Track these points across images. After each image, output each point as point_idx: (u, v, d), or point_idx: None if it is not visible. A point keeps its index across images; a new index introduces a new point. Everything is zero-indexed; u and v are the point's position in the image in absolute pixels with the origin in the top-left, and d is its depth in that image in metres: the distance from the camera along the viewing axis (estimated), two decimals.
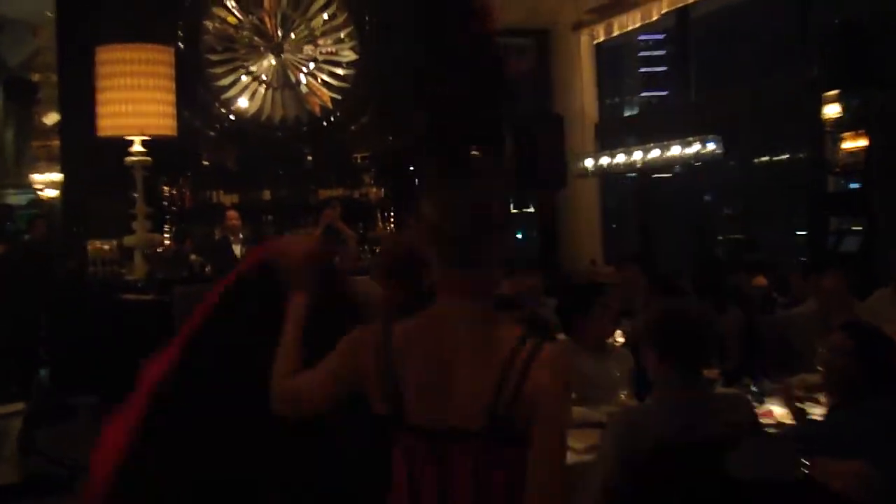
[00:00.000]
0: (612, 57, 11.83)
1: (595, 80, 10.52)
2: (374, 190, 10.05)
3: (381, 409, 1.89)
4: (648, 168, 9.32)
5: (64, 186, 10.35)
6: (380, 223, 9.95)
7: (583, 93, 10.32)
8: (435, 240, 1.88)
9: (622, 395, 3.99)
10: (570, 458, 2.99)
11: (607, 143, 10.42)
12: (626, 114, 11.78)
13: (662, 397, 3.01)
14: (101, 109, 8.00)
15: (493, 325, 1.89)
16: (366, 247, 9.33)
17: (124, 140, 7.99)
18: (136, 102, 7.88)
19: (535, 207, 11.12)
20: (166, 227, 9.34)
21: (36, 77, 13.50)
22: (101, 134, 8.02)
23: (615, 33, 10.07)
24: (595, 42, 10.47)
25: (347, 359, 1.94)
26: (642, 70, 25.11)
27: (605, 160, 9.58)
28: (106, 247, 8.57)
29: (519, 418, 1.78)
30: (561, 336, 4.59)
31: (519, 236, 12.45)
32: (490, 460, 1.81)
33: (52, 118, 12.61)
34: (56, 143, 11.23)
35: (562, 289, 5.94)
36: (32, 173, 13.65)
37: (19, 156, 14.91)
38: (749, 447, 2.85)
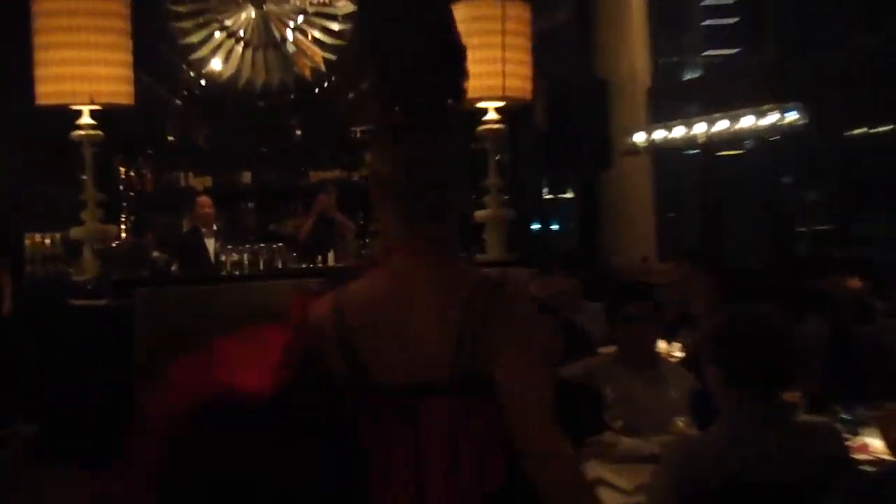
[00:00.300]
0: (669, 7, 11.85)
1: (647, 36, 10.67)
2: None
3: (342, 371, 2.19)
4: (714, 143, 9.35)
5: None
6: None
7: (632, 52, 10.47)
8: (390, 194, 2.18)
9: (679, 423, 4.03)
10: (617, 500, 3.43)
11: (662, 112, 10.54)
12: (686, 77, 11.77)
13: (730, 425, 3.02)
14: (40, 72, 7.68)
15: (451, 276, 2.19)
16: (366, 240, 9.51)
17: (69, 110, 7.61)
18: (83, 64, 7.47)
19: (573, 192, 11.33)
20: (123, 217, 9.57)
21: None
22: (41, 102, 7.63)
23: None
24: None
25: (304, 331, 2.23)
26: (706, 23, 25.17)
27: (659, 134, 9.66)
28: (47, 241, 8.82)
29: (485, 367, 2.10)
30: (607, 350, 4.87)
31: (555, 227, 12.62)
32: (461, 412, 2.12)
33: None
34: None
35: (606, 292, 5.76)
36: None
37: None
38: (845, 493, 2.81)
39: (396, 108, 2.24)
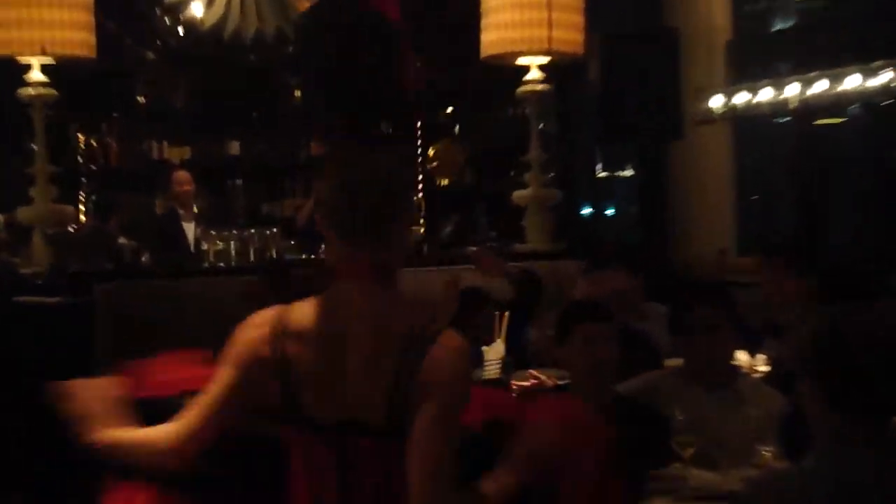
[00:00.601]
0: None
1: None
2: None
3: (276, 402, 2.70)
4: (810, 109, 9.45)
5: None
6: None
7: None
8: (332, 218, 2.70)
9: (764, 453, 4.06)
10: None
11: (747, 71, 10.62)
12: (776, 27, 11.85)
13: (830, 459, 2.95)
14: None
15: (394, 307, 2.72)
16: None
17: (16, 63, 8.37)
18: (32, 6, 8.21)
19: (634, 169, 11.61)
20: (82, 196, 10.09)
21: None
22: None
23: None
24: None
25: (242, 356, 2.74)
26: None
27: (742, 97, 9.86)
28: None
29: (415, 410, 2.59)
30: (674, 362, 5.05)
31: (610, 211, 13.15)
32: (392, 455, 2.60)
33: None
34: None
35: (674, 292, 5.98)
36: None
37: None
38: None
39: (338, 135, 2.66)
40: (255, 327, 2.82)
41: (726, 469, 4.08)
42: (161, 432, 2.94)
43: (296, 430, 2.77)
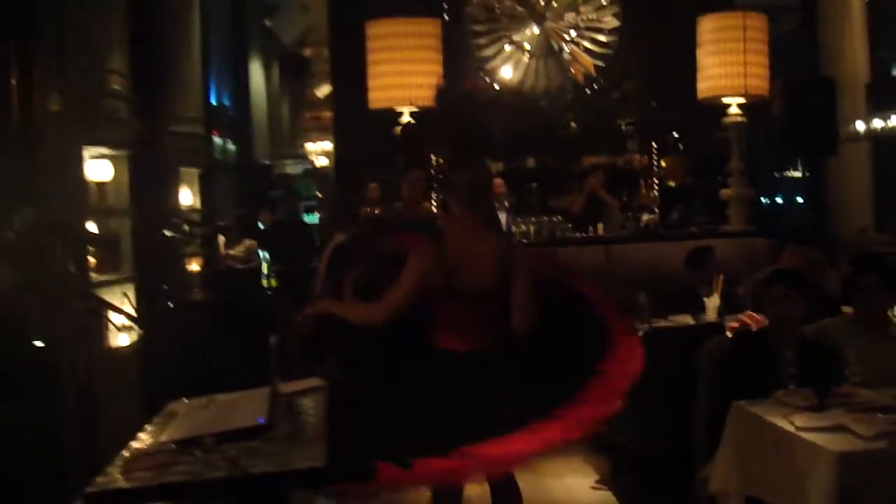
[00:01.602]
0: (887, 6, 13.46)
1: (867, 37, 12.81)
2: (638, 157, 13.43)
3: (441, 285, 4.70)
4: None
5: (336, 157, 14.16)
6: (643, 190, 13.29)
7: (853, 51, 12.72)
8: (457, 196, 4.78)
9: None
10: (858, 445, 4.14)
11: (880, 104, 12.70)
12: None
13: None
14: (372, 83, 10.81)
15: (491, 234, 5.04)
16: (629, 214, 12.48)
17: (393, 111, 10.72)
18: (405, 75, 10.62)
19: (801, 173, 13.42)
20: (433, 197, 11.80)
21: (308, 52, 17.98)
22: (373, 106, 10.87)
23: None
24: None
25: (429, 261, 4.69)
26: None
27: (877, 123, 12.09)
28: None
29: (507, 281, 4.76)
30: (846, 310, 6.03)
31: (779, 200, 14.68)
32: (498, 301, 4.77)
33: (322, 91, 17.04)
34: (326, 114, 15.14)
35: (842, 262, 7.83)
36: (305, 143, 18.24)
37: (293, 128, 19.67)
38: None
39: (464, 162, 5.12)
40: (429, 250, 4.72)
41: (882, 389, 4.75)
42: (375, 307, 4.76)
43: (449, 296, 4.73)
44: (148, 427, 3.52)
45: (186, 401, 3.81)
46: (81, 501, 2.79)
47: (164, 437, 3.26)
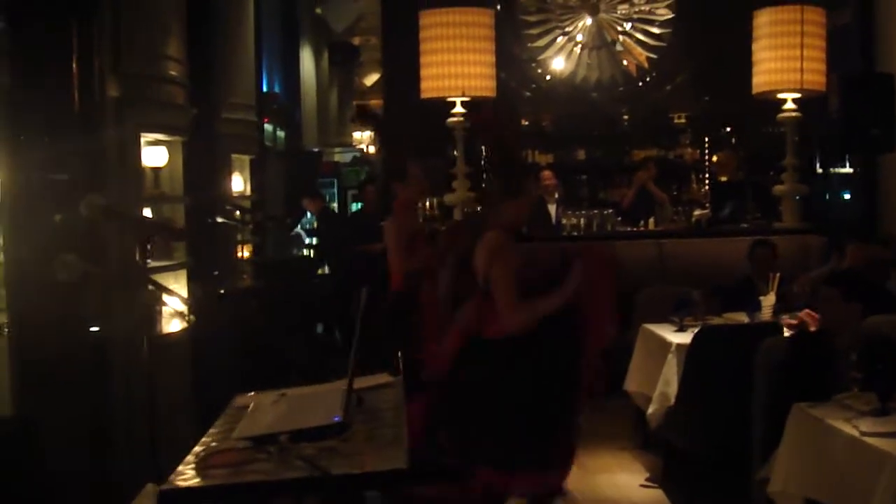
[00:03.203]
0: None
1: None
2: (690, 150, 13.55)
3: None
4: None
5: (385, 146, 14.43)
6: (694, 184, 13.34)
7: None
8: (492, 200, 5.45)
9: None
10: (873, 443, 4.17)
11: None
12: None
13: None
14: (425, 72, 10.86)
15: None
16: (679, 208, 12.51)
17: (445, 101, 10.81)
18: (457, 64, 10.71)
19: (853, 168, 13.30)
20: (483, 186, 11.63)
21: (357, 41, 18.06)
22: (425, 96, 10.93)
23: None
24: None
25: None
26: None
27: None
28: (428, 204, 11.31)
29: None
30: None
31: (826, 197, 14.24)
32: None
33: (370, 79, 17.09)
34: (374, 102, 15.28)
35: None
36: (354, 132, 18.37)
37: (341, 116, 19.80)
38: None
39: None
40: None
41: None
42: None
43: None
44: (217, 422, 3.48)
45: (254, 394, 3.76)
46: (155, 497, 2.76)
47: (236, 434, 3.21)
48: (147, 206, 7.16)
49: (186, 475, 2.90)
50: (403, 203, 6.60)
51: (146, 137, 7.08)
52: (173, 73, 7.15)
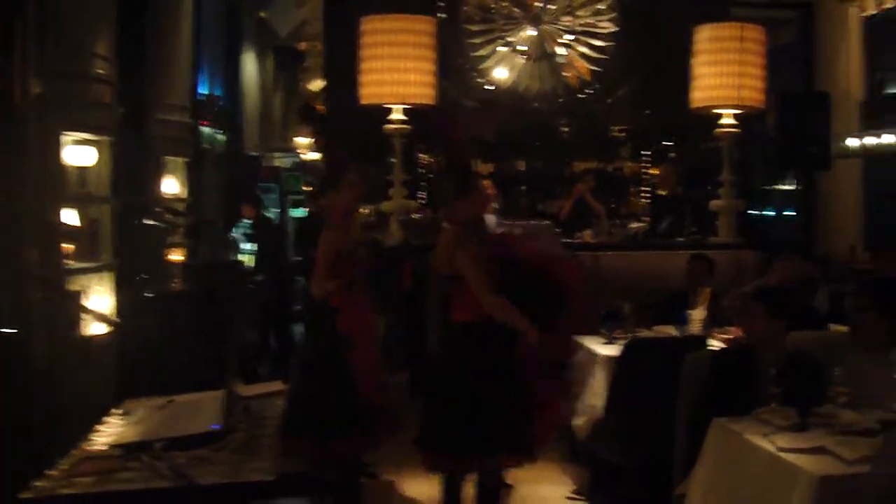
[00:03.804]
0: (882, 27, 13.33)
1: (862, 56, 12.92)
2: (630, 164, 13.51)
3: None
4: None
5: (326, 152, 14.19)
6: (633, 197, 13.34)
7: (848, 68, 12.83)
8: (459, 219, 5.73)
9: None
10: (839, 469, 4.05)
11: (873, 122, 12.74)
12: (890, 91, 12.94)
13: None
14: (364, 78, 10.68)
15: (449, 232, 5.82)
16: (617, 221, 12.40)
17: (383, 108, 10.66)
18: (397, 72, 10.54)
19: (793, 186, 13.48)
20: (421, 195, 12.42)
21: (303, 46, 17.95)
22: (364, 102, 10.72)
23: (888, 5, 12.39)
24: (863, 14, 12.79)
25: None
26: None
27: (870, 140, 12.17)
28: (366, 211, 11.06)
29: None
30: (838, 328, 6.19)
31: (770, 213, 14.64)
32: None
33: (316, 85, 16.99)
34: (319, 108, 15.20)
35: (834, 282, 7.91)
36: (296, 137, 18.19)
37: (285, 121, 19.62)
38: None
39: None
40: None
41: (867, 411, 4.62)
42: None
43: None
44: (100, 427, 3.37)
45: (145, 400, 3.66)
46: None
47: (113, 440, 3.10)
48: (71, 206, 7.04)
49: (52, 482, 2.79)
50: (341, 211, 6.39)
51: (73, 136, 6.96)
52: (101, 71, 7.06)
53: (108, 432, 3.35)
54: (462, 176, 5.79)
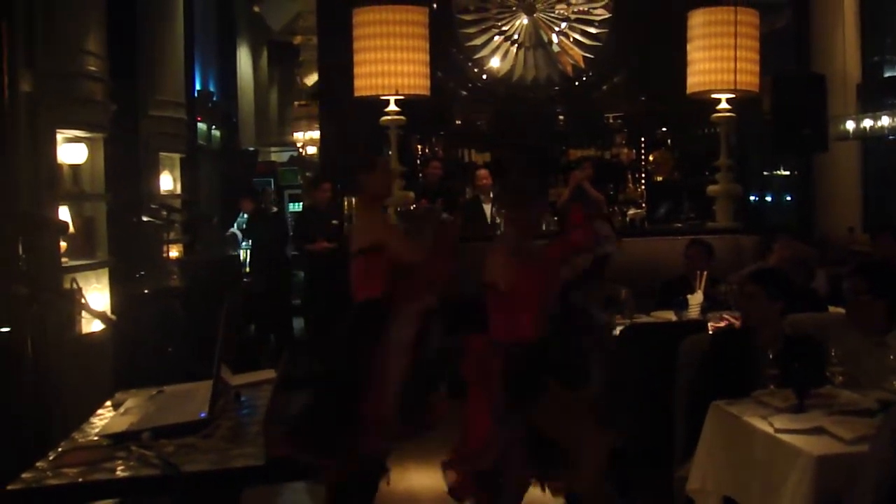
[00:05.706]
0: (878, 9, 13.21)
1: (859, 38, 12.84)
2: (626, 150, 13.51)
3: None
4: None
5: (322, 145, 14.12)
6: (630, 184, 13.33)
7: (844, 51, 12.73)
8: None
9: None
10: (837, 448, 4.04)
11: (870, 104, 12.57)
12: (889, 74, 13.00)
13: None
14: (358, 70, 10.75)
15: None
16: (615, 208, 12.54)
17: (380, 100, 10.73)
18: (391, 63, 10.64)
19: (789, 170, 13.48)
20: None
21: (298, 40, 17.91)
22: (358, 94, 10.79)
23: None
24: None
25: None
26: None
27: (867, 122, 12.10)
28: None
29: None
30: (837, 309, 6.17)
31: (769, 199, 14.67)
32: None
33: (311, 79, 16.94)
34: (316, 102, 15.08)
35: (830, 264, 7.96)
36: (294, 132, 18.28)
37: (281, 115, 19.55)
38: None
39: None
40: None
41: (866, 391, 4.60)
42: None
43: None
44: (93, 419, 3.38)
45: (136, 391, 3.66)
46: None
47: (100, 431, 3.12)
48: (65, 204, 7.04)
49: (37, 474, 2.80)
50: (371, 196, 5.92)
51: (65, 134, 6.96)
52: (92, 68, 7.06)
53: (99, 424, 3.33)
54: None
